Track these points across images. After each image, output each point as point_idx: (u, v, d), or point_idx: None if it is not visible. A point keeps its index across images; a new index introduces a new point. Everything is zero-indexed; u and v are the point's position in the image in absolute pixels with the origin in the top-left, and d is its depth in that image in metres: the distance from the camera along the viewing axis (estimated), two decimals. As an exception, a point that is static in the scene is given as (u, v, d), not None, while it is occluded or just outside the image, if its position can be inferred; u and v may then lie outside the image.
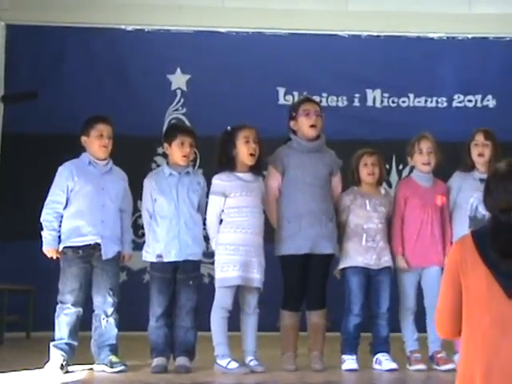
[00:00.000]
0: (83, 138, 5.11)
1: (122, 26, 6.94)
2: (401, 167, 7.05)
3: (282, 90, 7.12)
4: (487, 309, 2.55)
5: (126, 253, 5.16)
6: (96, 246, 4.99)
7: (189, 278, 5.00)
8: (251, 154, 4.98)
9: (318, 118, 5.13)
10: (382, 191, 5.28)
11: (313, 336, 5.07)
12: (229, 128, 5.10)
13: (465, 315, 2.61)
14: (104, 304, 4.98)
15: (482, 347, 2.54)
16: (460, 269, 2.61)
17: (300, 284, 5.02)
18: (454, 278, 2.63)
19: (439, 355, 5.11)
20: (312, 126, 5.10)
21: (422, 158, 5.25)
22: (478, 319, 2.56)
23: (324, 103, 7.13)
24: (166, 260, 4.98)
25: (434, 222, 5.19)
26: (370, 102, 7.34)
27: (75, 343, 4.96)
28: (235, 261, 4.90)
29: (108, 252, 5.00)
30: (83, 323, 5.02)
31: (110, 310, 4.99)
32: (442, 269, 5.13)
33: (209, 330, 4.98)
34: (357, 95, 7.30)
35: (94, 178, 5.06)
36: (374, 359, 5.12)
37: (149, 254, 5.07)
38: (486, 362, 2.52)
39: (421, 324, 5.20)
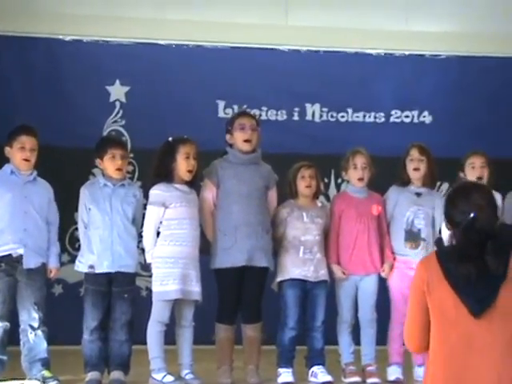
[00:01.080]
0: (7, 149, 5.06)
1: (60, 36, 6.83)
2: (339, 181, 7.08)
3: (221, 103, 7.11)
4: (454, 326, 2.68)
5: (53, 267, 5.08)
6: (19, 259, 4.90)
7: (124, 291, 4.96)
8: (189, 171, 4.99)
9: (254, 132, 5.15)
10: (319, 204, 5.34)
11: (248, 349, 5.08)
12: (170, 139, 5.09)
13: (433, 332, 2.74)
14: (29, 319, 4.89)
15: (450, 363, 2.66)
16: (426, 287, 2.75)
17: (235, 297, 5.02)
18: (420, 297, 2.77)
19: (368, 368, 5.18)
20: (246, 140, 5.12)
21: (357, 174, 5.32)
22: (446, 336, 2.69)
23: (264, 117, 7.15)
24: (97, 271, 4.94)
25: (370, 231, 5.26)
26: (309, 117, 7.38)
27: (4, 358, 4.88)
28: (175, 274, 4.88)
29: (30, 262, 4.91)
30: (15, 337, 4.92)
31: (35, 324, 4.90)
32: (379, 276, 5.26)
33: (145, 343, 4.95)
34: (296, 109, 7.33)
35: (16, 186, 4.99)
36: (310, 372, 5.15)
37: (81, 265, 5.03)
38: (454, 378, 2.65)
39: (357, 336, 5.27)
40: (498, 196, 5.35)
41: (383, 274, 5.28)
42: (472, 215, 2.77)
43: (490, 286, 2.69)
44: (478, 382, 2.64)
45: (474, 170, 5.31)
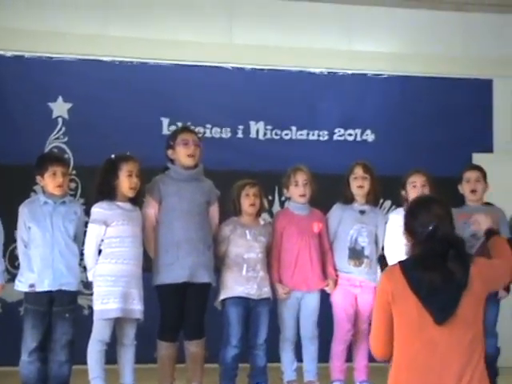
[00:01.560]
0: None
1: (1, 52, 6.77)
2: (283, 199, 7.12)
3: (165, 121, 7.09)
4: (418, 333, 2.92)
5: None
6: None
7: (65, 311, 4.89)
8: (132, 188, 4.96)
9: (196, 147, 5.15)
10: (262, 222, 5.35)
11: (192, 366, 5.04)
12: (113, 156, 5.04)
13: (397, 339, 2.98)
14: None
15: (414, 368, 2.90)
16: (391, 298, 2.98)
17: (177, 313, 4.98)
18: (385, 307, 3.00)
19: (310, 386, 5.20)
20: (190, 155, 5.12)
21: (298, 190, 5.35)
22: (410, 342, 2.93)
23: (208, 134, 7.17)
24: (38, 290, 4.87)
25: (311, 248, 5.29)
26: (253, 134, 7.41)
27: None
28: (116, 292, 4.82)
29: None
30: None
31: None
32: (322, 293, 5.28)
33: (86, 363, 4.87)
34: (240, 127, 7.36)
35: None
36: (252, 390, 5.14)
37: (21, 284, 4.94)
38: (416, 382, 2.89)
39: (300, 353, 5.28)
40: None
41: (327, 289, 5.30)
42: (433, 225, 2.99)
43: (453, 294, 2.92)
44: None
45: (415, 188, 5.36)
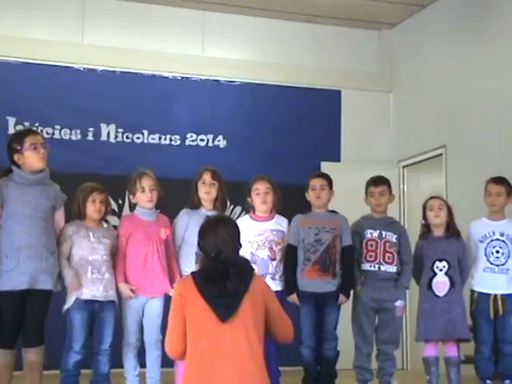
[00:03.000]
0: None
1: None
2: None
3: (12, 120, 6.89)
4: (205, 332, 3.29)
5: None
6: None
7: None
8: None
9: (45, 149, 5.01)
10: (105, 225, 5.28)
11: (29, 375, 4.88)
12: None
13: (188, 339, 3.33)
14: None
15: (201, 364, 3.25)
16: (184, 301, 3.36)
17: (16, 320, 4.82)
18: (179, 310, 3.37)
19: (153, 391, 5.17)
20: (42, 158, 4.94)
21: (145, 196, 5.30)
22: (198, 341, 3.29)
23: (57, 135, 7.03)
24: None
25: (158, 253, 5.26)
26: (104, 137, 7.32)
27: None
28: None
29: None
30: None
31: None
32: (167, 298, 5.25)
33: None
34: (91, 129, 7.26)
35: None
36: (94, 396, 5.05)
37: None
38: (204, 378, 3.22)
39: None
40: (283, 220, 5.55)
41: (171, 293, 5.29)
42: (217, 249, 3.41)
43: (235, 296, 3.35)
44: (224, 379, 3.21)
45: (259, 195, 5.44)
